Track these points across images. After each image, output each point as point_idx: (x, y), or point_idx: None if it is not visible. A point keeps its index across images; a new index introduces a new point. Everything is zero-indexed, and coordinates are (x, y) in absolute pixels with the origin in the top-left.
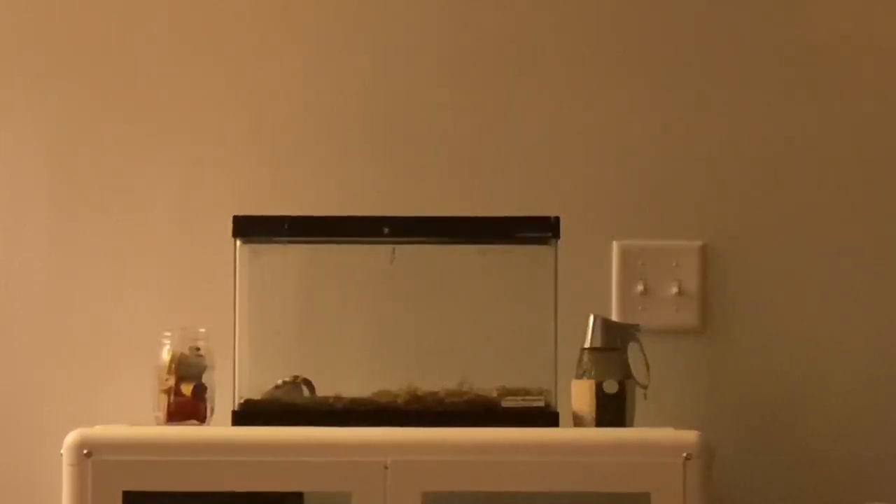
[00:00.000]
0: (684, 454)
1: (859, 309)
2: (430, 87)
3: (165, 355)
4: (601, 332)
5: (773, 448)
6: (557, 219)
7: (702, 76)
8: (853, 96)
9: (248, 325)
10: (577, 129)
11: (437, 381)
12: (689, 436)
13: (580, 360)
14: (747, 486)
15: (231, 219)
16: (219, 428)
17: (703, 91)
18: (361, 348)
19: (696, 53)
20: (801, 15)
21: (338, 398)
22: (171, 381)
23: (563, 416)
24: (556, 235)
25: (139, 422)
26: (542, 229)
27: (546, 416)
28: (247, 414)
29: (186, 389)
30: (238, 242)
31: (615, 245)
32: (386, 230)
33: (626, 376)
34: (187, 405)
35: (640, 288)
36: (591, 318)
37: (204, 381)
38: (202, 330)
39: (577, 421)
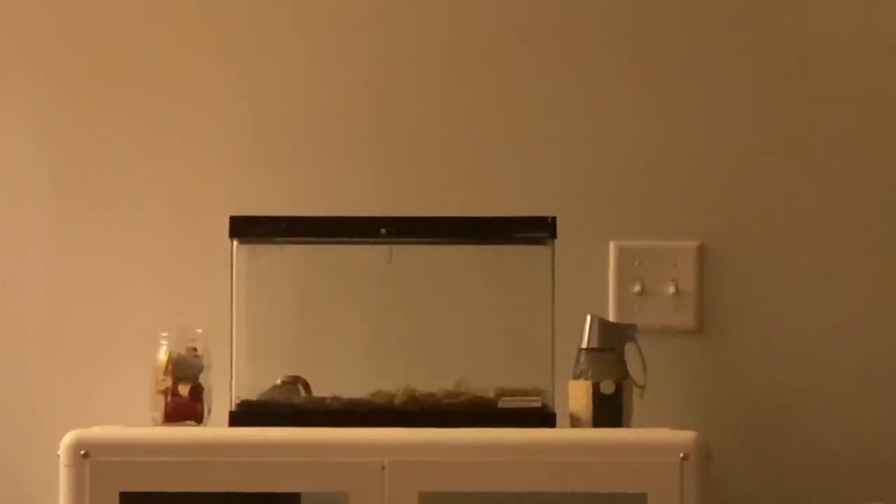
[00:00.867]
0: (681, 454)
1: (856, 309)
2: (427, 88)
3: (162, 356)
4: (598, 332)
5: (770, 448)
6: (554, 219)
7: (698, 77)
8: (851, 96)
9: (245, 326)
10: (574, 130)
11: (434, 381)
12: (686, 436)
13: (577, 361)
14: (744, 486)
15: (228, 219)
16: (216, 429)
17: (700, 92)
18: (358, 349)
19: (693, 54)
20: (800, 15)
21: (335, 399)
22: (168, 382)
23: (560, 417)
24: (553, 236)
25: (136, 422)
26: (539, 229)
27: (543, 417)
28: (244, 414)
29: (183, 390)
30: (235, 243)
31: (612, 245)
32: (383, 230)
33: (623, 377)
34: (184, 406)
35: (637, 288)
36: (588, 319)
37: (201, 381)
38: (199, 330)
39: (574, 421)
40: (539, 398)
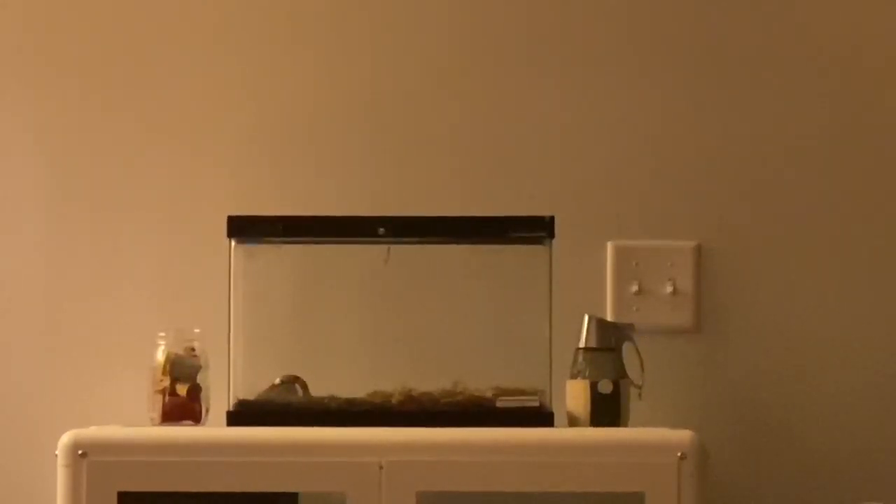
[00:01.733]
0: (678, 454)
1: (853, 308)
2: (425, 88)
3: (160, 356)
4: (596, 331)
5: (767, 447)
6: (552, 218)
7: (696, 77)
8: (849, 96)
9: (242, 326)
10: (572, 129)
11: (431, 381)
12: (684, 435)
13: (575, 360)
14: (741, 486)
15: (225, 219)
16: (213, 428)
17: (698, 92)
18: (356, 348)
19: (692, 54)
20: (799, 14)
21: (332, 398)
22: (166, 382)
23: (558, 416)
24: (551, 235)
25: (134, 422)
26: (536, 229)
27: (541, 416)
28: (241, 414)
29: (181, 390)
30: (233, 243)
31: (610, 245)
32: (381, 230)
33: (620, 376)
34: (182, 406)
35: (634, 288)
36: (586, 318)
37: (199, 381)
38: (197, 330)
39: (572, 421)
40: (537, 398)
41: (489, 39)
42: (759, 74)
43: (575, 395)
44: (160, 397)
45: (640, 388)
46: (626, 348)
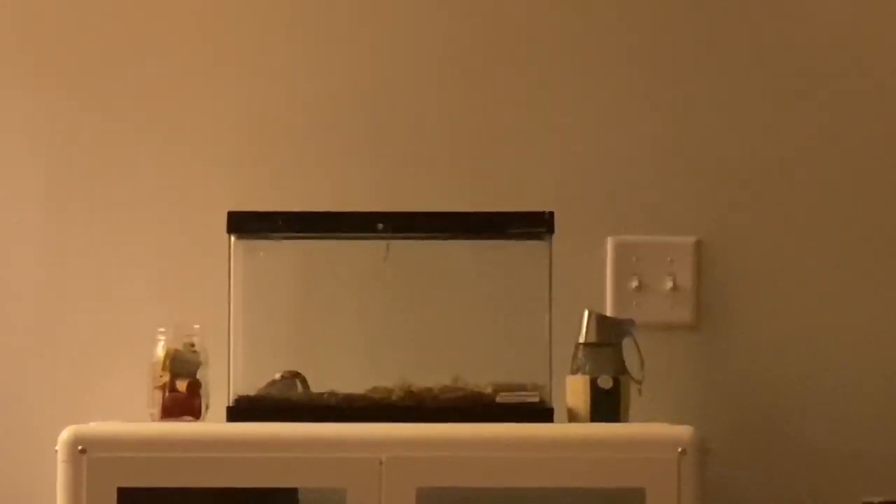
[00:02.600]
0: (679, 449)
1: (853, 304)
2: (424, 83)
3: (160, 352)
4: (595, 327)
5: (768, 443)
6: (552, 214)
7: (696, 72)
8: (848, 93)
9: (242, 322)
10: (572, 125)
11: (431, 376)
12: (684, 431)
13: (574, 356)
14: (741, 481)
15: (225, 215)
16: (213, 424)
17: (698, 87)
18: (356, 344)
19: (691, 50)
20: (797, 11)
21: (332, 394)
22: (166, 378)
23: (558, 412)
24: (551, 231)
25: (134, 418)
26: (536, 224)
27: (540, 412)
28: (241, 410)
29: (181, 386)
30: (232, 238)
31: (609, 240)
32: (380, 226)
33: (620, 372)
34: (182, 401)
35: (634, 283)
36: (586, 314)
37: (198, 377)
38: (197, 326)
39: (572, 416)
40: (536, 393)
41: (488, 35)
42: (759, 70)
43: (575, 391)
44: (160, 393)
45: (640, 383)
46: (626, 344)
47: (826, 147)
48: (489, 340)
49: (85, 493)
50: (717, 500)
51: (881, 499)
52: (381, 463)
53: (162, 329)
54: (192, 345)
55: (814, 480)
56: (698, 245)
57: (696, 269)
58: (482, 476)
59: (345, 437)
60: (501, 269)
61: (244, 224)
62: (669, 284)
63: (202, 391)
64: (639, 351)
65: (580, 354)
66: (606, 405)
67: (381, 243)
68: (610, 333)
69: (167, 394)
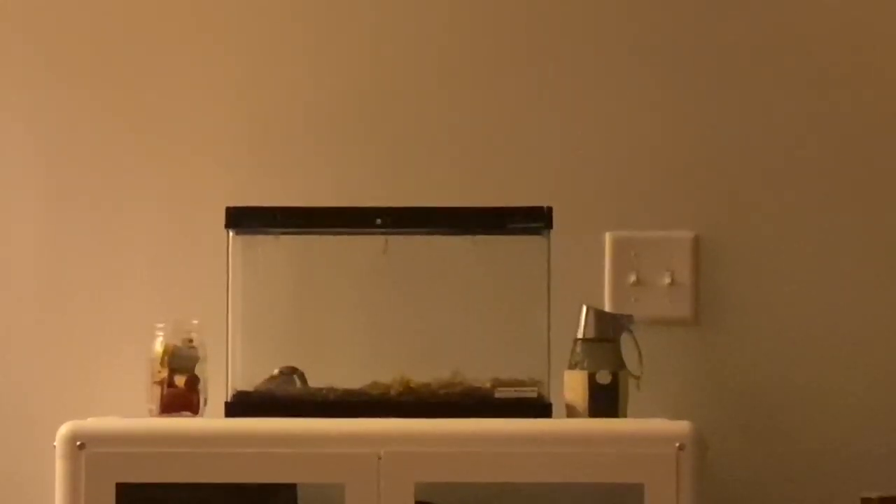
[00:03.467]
0: (677, 444)
1: (852, 299)
2: (423, 78)
3: (158, 347)
4: (594, 322)
5: (766, 438)
6: (550, 209)
7: (694, 68)
8: (846, 89)
9: (240, 317)
10: (570, 120)
11: (429, 372)
12: (682, 426)
13: (573, 351)
14: (740, 476)
15: (224, 210)
16: (212, 420)
17: (697, 83)
18: (354, 339)
19: (690, 46)
20: (796, 7)
21: (331, 389)
22: (164, 373)
23: (556, 407)
24: (549, 226)
25: (132, 414)
26: (534, 220)
27: (539, 407)
28: (240, 405)
29: (179, 381)
30: (231, 234)
31: (608, 236)
32: (378, 221)
33: (618, 367)
34: (180, 397)
35: (632, 278)
36: (584, 309)
37: (197, 372)
38: (195, 321)
39: (570, 412)
40: (535, 388)
41: (486, 30)
42: (758, 67)
43: (573, 386)
44: (158, 388)
45: (638, 378)
46: (625, 339)
47: (825, 142)
48: (487, 336)
49: (83, 488)
50: (715, 495)
51: (879, 494)
52: (379, 458)
53: (160, 324)
54: (191, 340)
55: (812, 475)
56: (697, 240)
57: (694, 264)
58: (481, 471)
59: (343, 433)
60: (500, 264)
61: (242, 219)
62: (668, 280)
63: (200, 386)
64: (637, 346)
65: (578, 350)
66: (605, 400)
67: (380, 238)
68: (608, 329)
69: (165, 389)
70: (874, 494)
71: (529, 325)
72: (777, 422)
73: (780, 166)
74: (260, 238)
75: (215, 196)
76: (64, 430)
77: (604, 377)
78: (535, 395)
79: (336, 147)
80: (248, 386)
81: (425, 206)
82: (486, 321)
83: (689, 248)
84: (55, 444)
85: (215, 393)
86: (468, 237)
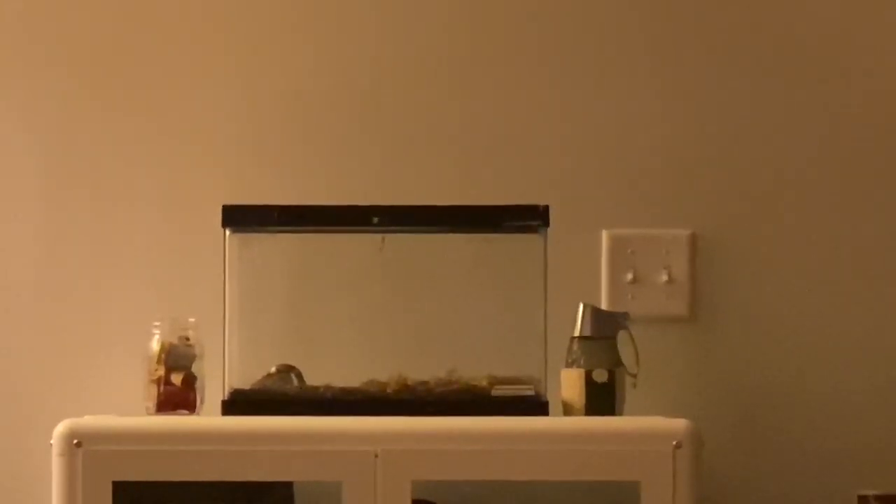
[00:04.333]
0: (674, 442)
1: (848, 297)
2: (419, 77)
3: (155, 345)
4: (591, 320)
5: (763, 436)
6: (547, 207)
7: (691, 66)
8: (843, 87)
9: (237, 315)
10: (567, 118)
11: (426, 370)
12: (679, 424)
13: (570, 349)
14: (736, 474)
15: (220, 208)
16: (208, 418)
17: (693, 81)
18: (351, 337)
19: (687, 44)
20: (795, 7)
21: (327, 387)
22: (161, 371)
23: (553, 405)
24: (546, 224)
25: (129, 412)
26: (531, 218)
27: (536, 405)
28: (236, 403)
29: (176, 379)
30: (227, 232)
31: (604, 233)
32: (375, 219)
33: (615, 365)
34: (177, 395)
35: (629, 276)
36: (581, 307)
37: (193, 370)
38: (192, 320)
39: (567, 410)
40: (532, 386)
41: (483, 28)
42: (756, 64)
43: (570, 384)
44: (155, 387)
45: (635, 376)
46: (621, 337)
47: (821, 139)
48: (484, 334)
49: (80, 486)
50: (711, 493)
51: (876, 492)
52: (376, 456)
53: (157, 323)
54: (188, 338)
55: (809, 473)
56: (693, 238)
57: (691, 261)
58: (477, 469)
59: (340, 431)
60: (496, 262)
61: (239, 217)
62: (664, 277)
63: (197, 385)
64: (634, 344)
65: (575, 347)
66: (601, 398)
67: (377, 236)
68: (605, 326)
69: (162, 387)
70: (871, 492)
71: (526, 323)
72: (774, 419)
73: (777, 164)
74: (256, 236)
75: (212, 194)
76: (61, 428)
77: (600, 375)
78: (531, 393)
79: (332, 145)
80: (244, 384)
81: (422, 204)
82: (483, 319)
83: (686, 246)
84: (52, 442)
85: (212, 391)
86: (465, 235)
